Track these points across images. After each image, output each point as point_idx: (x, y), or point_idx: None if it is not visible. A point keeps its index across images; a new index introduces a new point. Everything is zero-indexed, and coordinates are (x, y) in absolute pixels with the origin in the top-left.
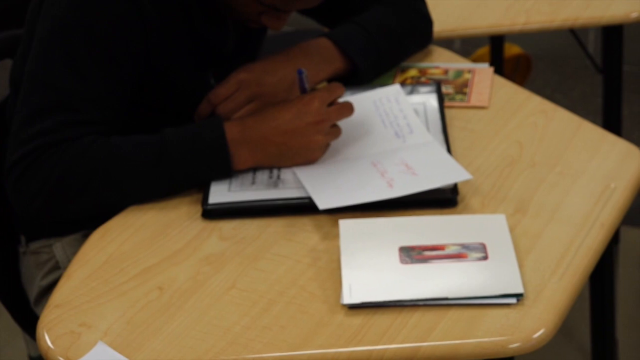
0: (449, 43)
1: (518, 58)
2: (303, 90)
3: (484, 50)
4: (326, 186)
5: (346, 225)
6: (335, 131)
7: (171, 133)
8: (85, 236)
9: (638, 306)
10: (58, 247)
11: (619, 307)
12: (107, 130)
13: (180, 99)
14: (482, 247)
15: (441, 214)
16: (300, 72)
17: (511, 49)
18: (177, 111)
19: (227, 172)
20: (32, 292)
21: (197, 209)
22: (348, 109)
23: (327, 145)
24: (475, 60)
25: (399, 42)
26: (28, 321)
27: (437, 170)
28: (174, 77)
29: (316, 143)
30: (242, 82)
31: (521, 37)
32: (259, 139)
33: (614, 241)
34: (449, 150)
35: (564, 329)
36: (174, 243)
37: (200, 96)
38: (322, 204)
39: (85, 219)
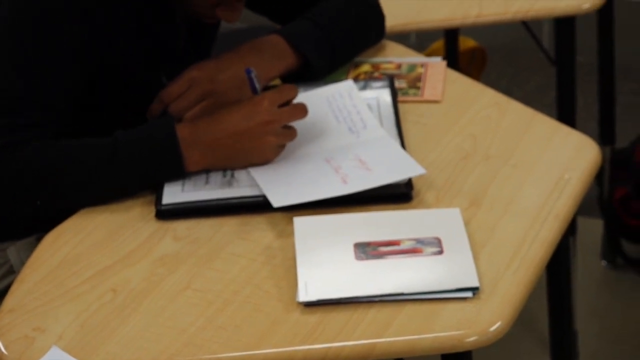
0: (404, 37)
1: (473, 51)
2: (254, 90)
3: (439, 44)
4: (280, 184)
5: (301, 222)
6: (289, 133)
7: (122, 134)
8: (39, 239)
9: (598, 296)
10: (12, 250)
11: (579, 297)
12: (56, 133)
13: (132, 99)
14: (437, 242)
15: (396, 208)
16: (248, 72)
17: (466, 43)
18: (131, 112)
19: (179, 172)
20: None
21: (151, 210)
22: (301, 110)
23: (282, 147)
24: (430, 54)
25: (351, 37)
26: None
27: (391, 166)
28: (124, 77)
29: (267, 144)
30: (194, 80)
31: (476, 30)
32: (209, 141)
33: (571, 232)
34: (402, 145)
35: (524, 320)
36: (128, 244)
37: (153, 96)
38: (276, 202)
39: (38, 222)
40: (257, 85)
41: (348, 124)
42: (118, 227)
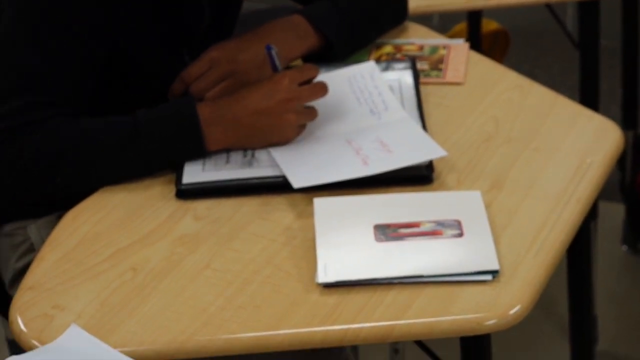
0: (427, 19)
1: (496, 34)
2: (274, 68)
3: (462, 26)
4: (301, 164)
5: (321, 203)
6: (310, 112)
7: (142, 113)
8: (60, 217)
9: (618, 281)
10: (32, 229)
11: (599, 281)
12: (75, 111)
13: (154, 79)
14: (458, 224)
15: (417, 191)
16: (269, 48)
17: (489, 25)
18: (154, 91)
19: (200, 151)
20: (7, 275)
21: (171, 189)
22: (321, 88)
23: (302, 127)
24: (453, 37)
25: (373, 18)
26: (3, 304)
27: (412, 147)
28: (143, 56)
29: (287, 121)
30: (214, 60)
31: (499, 12)
32: (230, 119)
33: (592, 216)
34: (424, 126)
35: (543, 304)
36: (148, 223)
37: (176, 75)
38: (296, 183)
39: (58, 201)
40: (277, 63)
41: (369, 105)
42: (138, 206)
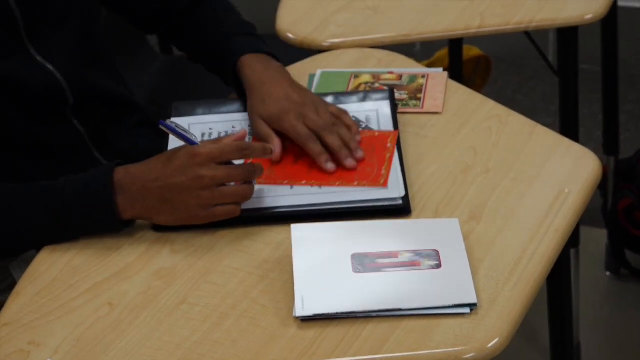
0: (409, 45)
1: (478, 59)
2: (190, 142)
3: (443, 52)
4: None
5: (298, 229)
6: (235, 191)
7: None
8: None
9: (602, 307)
10: (14, 266)
11: (582, 308)
12: None
13: None
14: (436, 254)
15: (395, 222)
16: (162, 124)
17: (470, 51)
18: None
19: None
20: None
21: (149, 222)
22: (245, 172)
23: (233, 205)
24: (434, 62)
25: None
26: None
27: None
28: None
29: (198, 200)
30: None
31: (481, 38)
32: (139, 189)
33: (574, 244)
34: (401, 157)
35: (525, 333)
36: (125, 257)
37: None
38: None
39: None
40: (190, 136)
41: None
42: (115, 239)
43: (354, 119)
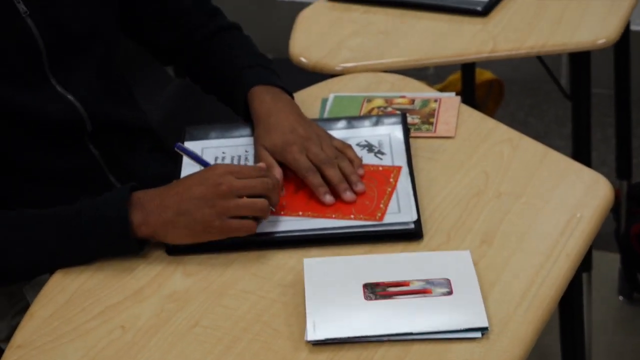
0: (422, 68)
1: (490, 83)
2: (204, 164)
3: (456, 75)
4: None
5: (310, 264)
6: (253, 204)
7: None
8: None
9: (614, 331)
10: (28, 289)
11: (595, 332)
12: None
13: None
14: (447, 283)
15: (407, 246)
16: (178, 147)
17: (483, 75)
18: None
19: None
20: (3, 331)
21: (162, 245)
22: (264, 186)
23: (252, 220)
24: (447, 86)
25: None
26: None
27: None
28: None
29: (217, 210)
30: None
31: (494, 61)
32: (157, 205)
33: (586, 268)
34: (413, 182)
35: (538, 358)
36: (138, 280)
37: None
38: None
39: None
40: (203, 159)
41: None
42: (128, 262)
43: (366, 143)
